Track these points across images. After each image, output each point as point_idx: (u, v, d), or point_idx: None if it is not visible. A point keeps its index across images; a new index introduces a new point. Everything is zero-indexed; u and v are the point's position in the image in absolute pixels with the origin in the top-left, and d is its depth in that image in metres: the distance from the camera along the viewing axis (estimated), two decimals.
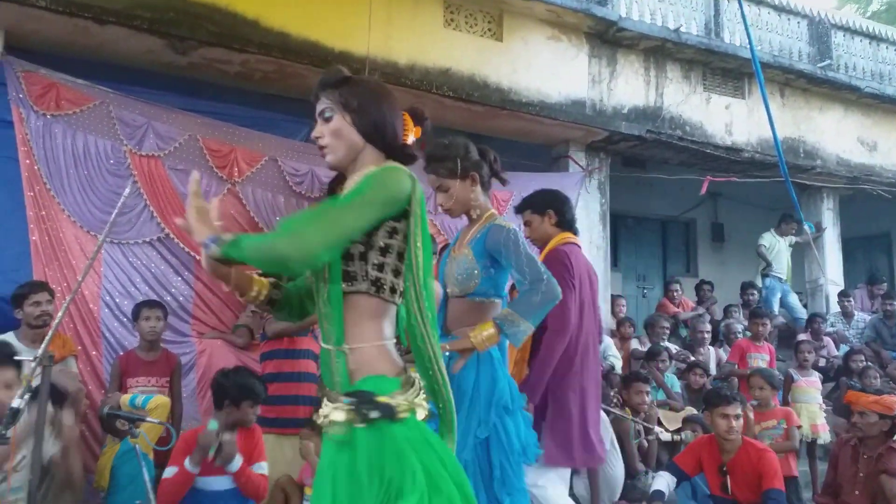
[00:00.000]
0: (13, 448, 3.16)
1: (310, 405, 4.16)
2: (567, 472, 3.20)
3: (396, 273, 1.81)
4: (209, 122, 5.59)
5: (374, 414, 1.68)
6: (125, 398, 3.74)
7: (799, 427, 5.48)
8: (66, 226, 5.01)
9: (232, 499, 3.68)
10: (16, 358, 3.48)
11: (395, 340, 1.85)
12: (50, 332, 2.88)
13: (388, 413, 1.68)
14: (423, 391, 1.80)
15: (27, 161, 4.99)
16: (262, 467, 3.79)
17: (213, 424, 3.62)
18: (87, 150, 5.16)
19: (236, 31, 5.59)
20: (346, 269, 1.77)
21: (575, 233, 3.46)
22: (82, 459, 3.93)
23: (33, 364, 2.81)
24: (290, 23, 5.77)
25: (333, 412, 1.73)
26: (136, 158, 5.27)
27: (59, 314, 2.99)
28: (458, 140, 2.84)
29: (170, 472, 3.60)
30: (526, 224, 3.30)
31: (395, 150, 1.89)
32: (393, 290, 1.81)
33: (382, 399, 1.69)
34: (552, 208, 3.38)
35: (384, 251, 1.78)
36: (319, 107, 1.88)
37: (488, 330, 2.53)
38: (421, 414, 1.75)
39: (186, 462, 3.54)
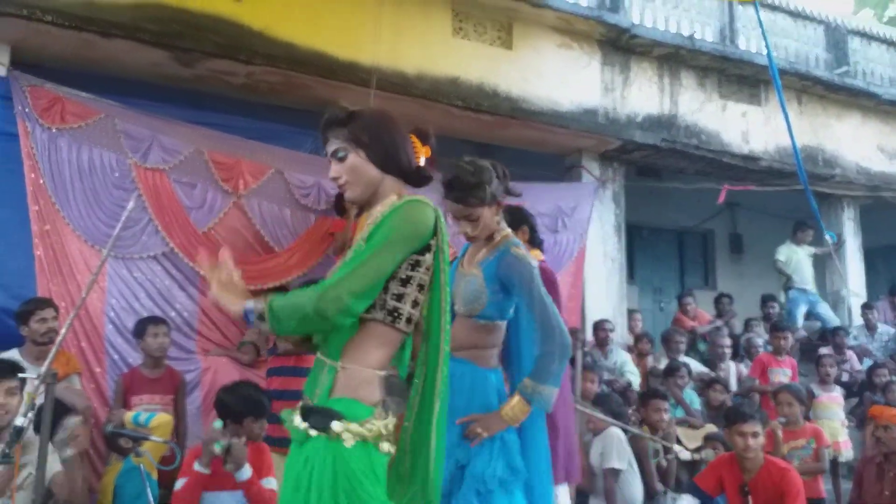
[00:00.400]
0: (17, 466, 3.10)
1: None
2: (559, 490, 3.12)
3: (415, 304, 1.85)
4: (214, 134, 5.53)
5: (331, 425, 1.73)
6: (128, 416, 3.76)
7: (828, 446, 5.22)
8: (71, 240, 4.96)
9: None
10: (20, 375, 3.43)
11: (392, 372, 1.87)
12: (53, 349, 2.82)
13: (334, 432, 1.73)
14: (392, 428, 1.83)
15: (32, 175, 4.97)
16: (271, 482, 3.71)
17: (218, 423, 3.61)
18: (91, 163, 5.12)
19: (242, 42, 5.55)
20: None
21: (542, 251, 3.54)
22: (86, 479, 3.89)
23: (37, 381, 2.75)
24: (296, 33, 5.72)
25: (299, 420, 1.83)
26: (140, 171, 5.21)
27: (63, 330, 2.94)
28: (482, 164, 2.72)
29: (181, 482, 3.55)
30: None
31: (411, 175, 1.95)
32: (409, 321, 1.85)
33: (348, 423, 1.74)
34: (526, 224, 3.43)
35: (405, 282, 1.83)
36: (330, 147, 1.91)
37: (518, 405, 2.54)
38: (384, 448, 1.79)
39: (196, 464, 3.49)
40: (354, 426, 1.73)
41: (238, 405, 3.73)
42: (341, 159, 1.89)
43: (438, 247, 1.86)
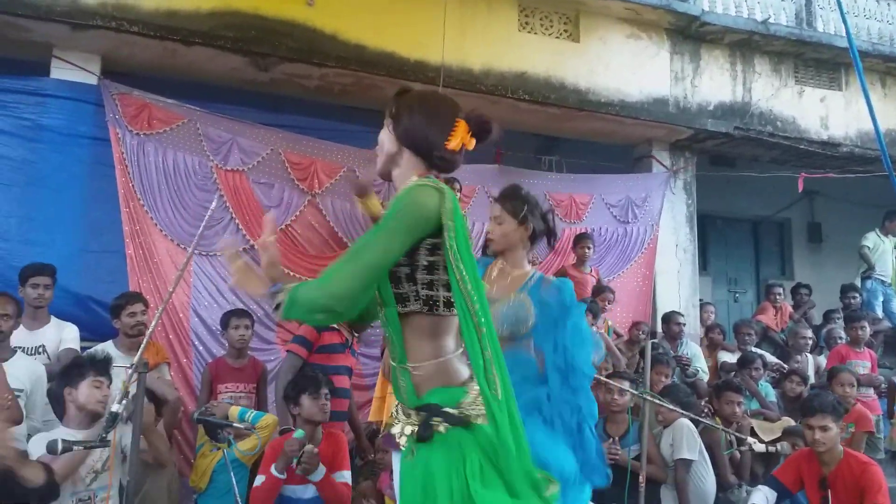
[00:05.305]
0: (113, 448, 3.29)
1: (343, 420, 4.14)
2: None
3: (447, 287, 1.80)
4: (290, 135, 5.76)
5: (442, 427, 1.73)
6: (235, 410, 3.80)
7: (869, 432, 5.34)
8: (159, 239, 5.25)
9: None
10: (114, 365, 3.65)
11: (461, 351, 1.85)
12: (144, 341, 3.00)
13: (457, 422, 1.73)
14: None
15: (123, 179, 5.27)
16: (345, 476, 3.79)
17: (299, 433, 3.68)
18: (176, 166, 5.40)
19: (315, 45, 5.73)
20: (396, 291, 1.81)
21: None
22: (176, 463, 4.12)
23: (130, 371, 2.94)
24: (366, 35, 5.88)
25: (406, 427, 1.81)
26: (221, 173, 5.47)
27: (153, 323, 3.11)
28: (534, 196, 3.03)
29: (260, 479, 3.68)
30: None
31: (431, 157, 1.87)
32: (448, 305, 1.81)
33: (449, 410, 1.74)
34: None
35: (430, 269, 1.79)
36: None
37: None
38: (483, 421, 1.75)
39: (273, 468, 3.62)
40: (459, 411, 1.73)
41: (293, 385, 3.83)
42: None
43: (447, 225, 1.75)
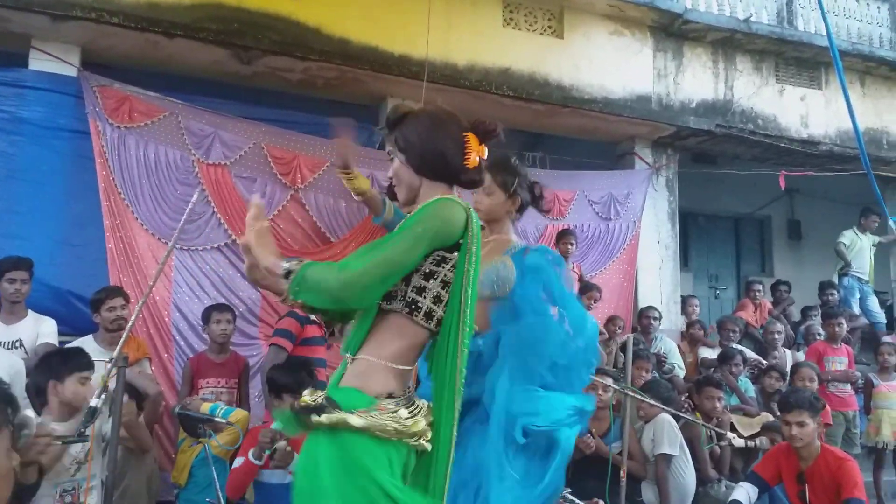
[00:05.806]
0: (92, 443, 3.28)
1: None
2: None
3: (437, 300, 1.81)
4: (273, 129, 5.71)
5: (313, 419, 1.70)
6: (206, 407, 3.85)
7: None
8: (139, 234, 5.20)
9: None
10: (93, 360, 3.62)
11: (410, 368, 1.84)
12: (124, 336, 2.96)
13: (319, 422, 1.70)
14: (413, 424, 1.76)
15: (103, 172, 5.20)
16: None
17: (277, 424, 3.67)
18: (157, 160, 5.34)
19: (299, 39, 5.70)
20: None
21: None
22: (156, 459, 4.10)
23: (109, 365, 2.91)
24: (350, 29, 5.85)
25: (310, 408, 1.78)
26: (203, 167, 5.42)
27: (132, 318, 3.08)
28: (524, 167, 3.03)
29: (238, 462, 3.71)
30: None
31: (452, 180, 1.90)
32: (428, 316, 1.80)
33: (340, 412, 1.70)
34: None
35: (428, 276, 1.80)
36: (387, 147, 2.01)
37: None
38: (402, 439, 1.74)
39: (250, 454, 3.63)
40: (342, 414, 1.69)
41: (279, 381, 3.81)
42: (391, 160, 1.96)
43: (467, 247, 1.82)
